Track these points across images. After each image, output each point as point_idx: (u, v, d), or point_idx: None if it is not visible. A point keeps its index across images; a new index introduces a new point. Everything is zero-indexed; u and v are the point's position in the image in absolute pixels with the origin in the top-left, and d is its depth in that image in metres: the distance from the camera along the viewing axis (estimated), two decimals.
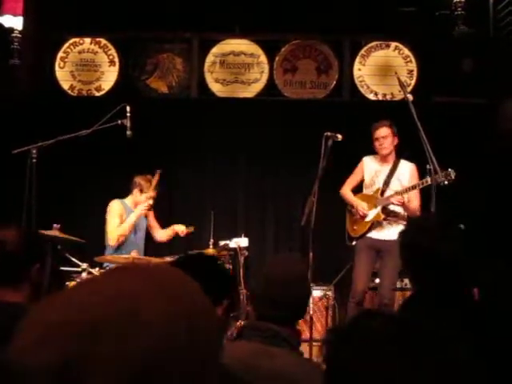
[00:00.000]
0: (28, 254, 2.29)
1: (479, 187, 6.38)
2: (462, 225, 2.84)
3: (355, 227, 5.64)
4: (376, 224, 5.49)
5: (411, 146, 4.95)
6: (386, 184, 5.50)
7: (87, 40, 7.19)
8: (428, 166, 4.61)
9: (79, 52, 7.19)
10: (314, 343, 5.05)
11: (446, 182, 4.76)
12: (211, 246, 5.73)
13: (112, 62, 7.17)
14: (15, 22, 6.59)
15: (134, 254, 5.19)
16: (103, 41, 7.19)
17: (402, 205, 5.32)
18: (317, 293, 6.03)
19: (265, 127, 6.88)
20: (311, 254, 4.89)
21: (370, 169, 5.65)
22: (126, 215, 5.51)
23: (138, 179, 5.57)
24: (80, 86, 7.15)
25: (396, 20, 6.99)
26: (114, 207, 5.52)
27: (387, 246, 5.28)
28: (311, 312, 4.93)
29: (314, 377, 1.99)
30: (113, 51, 7.17)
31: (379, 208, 5.46)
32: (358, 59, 7.14)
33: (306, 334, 5.68)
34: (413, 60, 7.11)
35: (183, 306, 0.82)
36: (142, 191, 5.52)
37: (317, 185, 5.02)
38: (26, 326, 0.76)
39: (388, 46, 7.17)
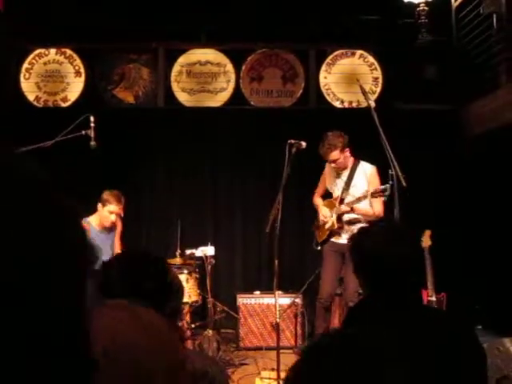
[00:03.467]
0: None
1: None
2: None
3: (320, 233, 5.71)
4: (335, 231, 5.55)
5: (375, 151, 5.00)
6: (346, 190, 5.56)
7: (52, 51, 7.16)
8: (390, 171, 4.67)
9: (44, 63, 7.15)
10: (281, 350, 5.04)
11: (383, 199, 4.90)
12: (178, 255, 5.71)
13: (78, 73, 7.14)
14: None
15: None
16: (69, 51, 7.15)
17: (352, 211, 5.40)
18: (285, 300, 6.04)
19: (232, 136, 6.91)
20: (277, 262, 4.90)
21: (330, 176, 5.74)
22: (89, 235, 5.38)
23: (104, 195, 5.42)
24: (46, 97, 7.10)
25: (361, 28, 7.08)
26: None
27: (347, 249, 5.33)
28: (278, 319, 4.92)
29: None
30: (78, 62, 7.14)
31: (334, 217, 5.52)
32: (323, 67, 7.20)
33: (273, 342, 5.70)
34: (378, 68, 7.18)
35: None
36: (104, 205, 5.38)
37: (281, 192, 5.03)
38: None
39: (353, 54, 7.24)
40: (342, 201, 5.54)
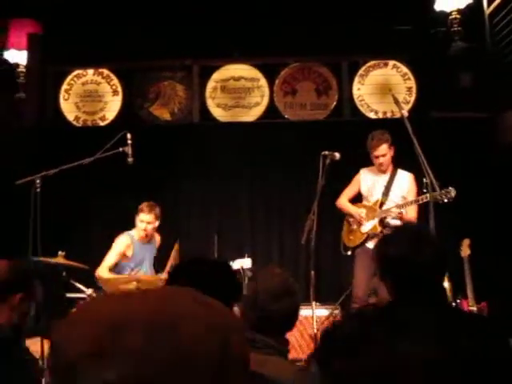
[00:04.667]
0: (11, 283, 2.45)
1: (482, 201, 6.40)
2: None
3: (351, 237, 5.66)
4: (372, 235, 5.51)
5: (410, 161, 4.99)
6: (385, 195, 5.54)
7: (90, 71, 7.35)
8: (425, 180, 4.66)
9: (83, 83, 7.34)
10: None
11: (445, 200, 4.82)
12: None
13: (115, 92, 7.31)
14: (20, 57, 6.78)
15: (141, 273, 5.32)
16: (106, 71, 7.34)
17: (401, 218, 5.36)
18: (323, 312, 6.02)
19: (267, 150, 6.96)
20: (313, 273, 4.92)
21: (367, 180, 5.70)
22: (132, 248, 5.57)
23: (141, 205, 5.63)
24: (85, 116, 7.28)
25: (393, 39, 7.08)
26: (118, 242, 5.57)
27: None
28: (315, 330, 4.92)
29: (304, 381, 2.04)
30: (115, 81, 7.32)
31: (377, 220, 5.49)
32: (356, 79, 7.22)
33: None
34: (411, 77, 7.18)
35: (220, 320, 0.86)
36: (137, 215, 5.60)
37: (316, 203, 5.06)
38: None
39: (386, 65, 7.25)
40: (381, 204, 5.52)
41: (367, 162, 5.82)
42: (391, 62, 7.24)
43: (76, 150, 5.58)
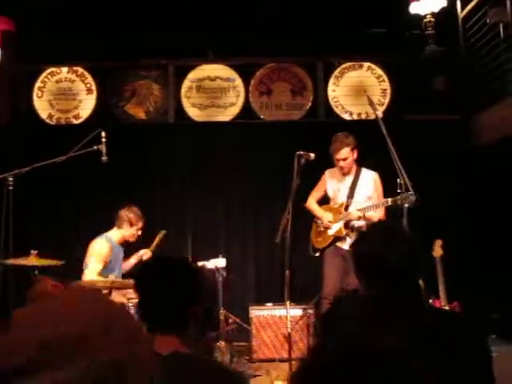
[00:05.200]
0: None
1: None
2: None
3: (319, 239, 5.71)
4: (338, 237, 5.57)
5: (384, 162, 5.04)
6: (350, 197, 5.59)
7: (64, 69, 7.28)
8: (399, 180, 4.71)
9: (57, 81, 7.27)
10: (294, 362, 5.05)
11: (406, 205, 4.88)
12: None
13: (89, 90, 7.25)
14: None
15: (111, 277, 5.26)
16: (80, 69, 7.27)
17: (366, 220, 5.42)
18: (297, 312, 6.04)
19: (242, 150, 6.96)
20: (287, 272, 4.93)
21: (332, 182, 5.74)
22: (112, 254, 5.51)
23: (126, 214, 5.59)
24: (58, 114, 7.21)
25: (368, 41, 7.14)
26: (99, 249, 5.47)
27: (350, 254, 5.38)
28: (289, 330, 4.94)
29: None
30: (90, 79, 7.26)
31: (341, 223, 5.54)
32: (331, 80, 7.26)
33: (286, 353, 5.70)
34: (386, 79, 7.24)
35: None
36: (131, 225, 5.58)
37: (291, 202, 5.08)
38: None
39: (361, 67, 7.31)
40: (346, 207, 5.57)
41: None
42: (366, 64, 7.30)
43: (49, 148, 5.52)
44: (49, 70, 7.27)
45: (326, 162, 5.67)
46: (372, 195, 5.55)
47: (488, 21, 6.52)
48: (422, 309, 2.08)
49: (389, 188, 5.29)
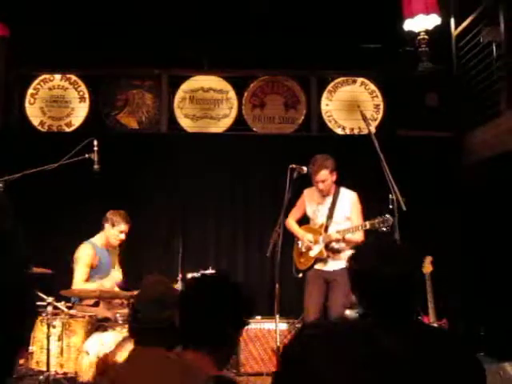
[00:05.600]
0: None
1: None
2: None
3: (301, 260, 5.64)
4: (321, 259, 5.54)
5: (377, 176, 5.04)
6: (330, 218, 5.54)
7: (57, 76, 7.26)
8: (391, 196, 4.70)
9: (49, 88, 7.24)
10: None
11: (384, 229, 4.92)
12: (179, 280, 5.72)
13: (82, 98, 7.23)
14: None
15: (98, 283, 5.25)
16: (73, 77, 7.25)
17: (342, 241, 5.42)
18: (286, 326, 6.02)
19: (234, 162, 6.96)
20: (277, 286, 4.91)
21: (311, 202, 5.64)
22: (97, 258, 5.47)
23: (110, 214, 5.57)
24: (50, 121, 7.18)
25: (362, 56, 7.17)
26: (83, 255, 5.43)
27: (334, 275, 5.41)
28: (278, 344, 4.91)
29: None
30: (83, 87, 7.24)
31: (322, 245, 5.50)
32: (325, 94, 7.28)
33: (274, 367, 5.68)
34: (379, 95, 7.27)
35: None
36: (113, 225, 5.53)
37: (282, 216, 5.07)
38: None
39: (354, 82, 7.34)
40: (326, 228, 5.54)
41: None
42: (359, 79, 7.33)
43: (40, 156, 5.49)
44: (42, 77, 7.25)
45: None
46: (350, 215, 5.52)
47: (481, 39, 6.57)
48: (416, 327, 2.06)
49: (380, 202, 5.28)
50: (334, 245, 5.48)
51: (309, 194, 5.70)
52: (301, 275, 5.62)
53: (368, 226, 5.14)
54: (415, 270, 2.19)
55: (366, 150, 5.29)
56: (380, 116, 7.21)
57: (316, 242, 5.53)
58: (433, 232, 6.37)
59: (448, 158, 6.72)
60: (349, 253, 5.24)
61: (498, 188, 6.00)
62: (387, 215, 4.95)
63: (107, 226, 5.54)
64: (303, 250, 5.62)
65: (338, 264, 5.42)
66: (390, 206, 4.71)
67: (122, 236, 5.56)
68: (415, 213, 4.79)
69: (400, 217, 4.66)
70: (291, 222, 5.74)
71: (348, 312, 5.38)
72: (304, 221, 5.77)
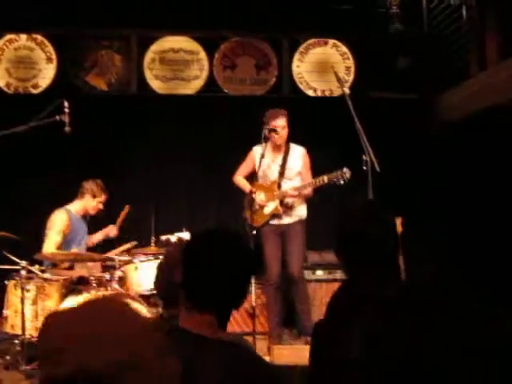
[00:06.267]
0: None
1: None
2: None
3: (255, 217, 5.61)
4: (275, 215, 5.61)
5: (349, 138, 5.07)
6: (282, 175, 5.60)
7: (23, 37, 7.05)
8: (364, 157, 4.75)
9: (15, 49, 7.04)
10: (257, 336, 5.09)
11: (341, 182, 5.00)
12: (153, 243, 5.71)
13: (49, 59, 7.06)
14: None
15: (74, 250, 5.22)
16: (40, 37, 7.06)
17: (297, 196, 5.54)
18: (259, 286, 6.08)
19: (205, 124, 6.92)
20: (252, 245, 4.95)
21: (263, 162, 5.49)
22: (71, 225, 5.43)
23: (89, 185, 5.55)
24: (16, 83, 7.00)
25: (333, 18, 7.12)
26: (57, 221, 5.40)
27: (289, 228, 5.56)
28: (254, 304, 4.97)
29: None
30: (50, 48, 7.05)
31: (277, 202, 5.55)
32: (296, 56, 7.24)
33: (248, 328, 5.75)
34: (350, 57, 7.25)
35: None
36: (94, 197, 5.53)
37: (256, 175, 5.10)
38: None
39: (326, 44, 7.30)
40: (279, 185, 5.58)
41: (307, 137, 5.91)
42: (331, 41, 7.30)
43: (8, 118, 5.37)
44: (7, 37, 7.03)
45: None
46: (301, 170, 5.58)
47: (452, 1, 6.59)
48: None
49: (354, 164, 5.33)
50: (289, 201, 5.55)
51: (258, 151, 5.61)
52: (254, 232, 5.61)
53: (326, 181, 5.21)
54: (395, 229, 2.23)
55: (336, 112, 5.32)
56: (351, 78, 7.21)
57: (269, 200, 5.57)
58: (404, 193, 6.44)
59: (419, 119, 6.76)
60: (301, 207, 5.36)
61: (467, 150, 6.08)
62: (345, 168, 5.02)
63: (87, 196, 5.56)
64: (256, 207, 5.61)
65: (292, 217, 5.58)
66: (364, 168, 4.76)
67: (101, 206, 5.65)
68: (386, 174, 4.85)
69: (373, 177, 4.73)
70: (240, 179, 5.77)
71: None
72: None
